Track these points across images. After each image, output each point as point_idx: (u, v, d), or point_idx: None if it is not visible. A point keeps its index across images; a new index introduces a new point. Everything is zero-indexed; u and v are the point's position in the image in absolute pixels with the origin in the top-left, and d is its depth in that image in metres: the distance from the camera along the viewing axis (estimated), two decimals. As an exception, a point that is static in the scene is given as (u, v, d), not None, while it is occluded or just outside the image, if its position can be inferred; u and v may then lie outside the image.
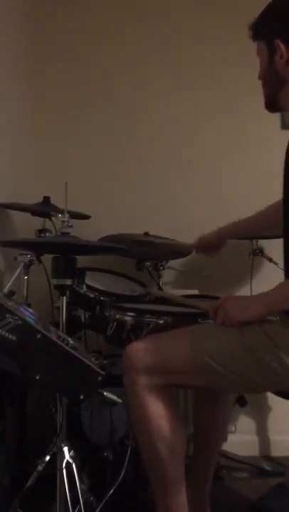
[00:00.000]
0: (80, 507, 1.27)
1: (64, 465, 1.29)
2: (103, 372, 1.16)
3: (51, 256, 1.47)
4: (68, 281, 1.44)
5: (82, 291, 1.74)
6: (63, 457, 1.31)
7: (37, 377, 1.08)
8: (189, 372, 1.25)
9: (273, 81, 1.29)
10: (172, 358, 1.26)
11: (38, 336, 1.08)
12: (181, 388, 1.79)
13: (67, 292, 1.45)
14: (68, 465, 1.30)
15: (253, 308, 1.22)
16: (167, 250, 2.09)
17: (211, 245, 1.72)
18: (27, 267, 1.81)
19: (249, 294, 2.05)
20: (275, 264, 2.02)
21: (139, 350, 1.30)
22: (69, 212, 1.46)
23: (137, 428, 1.31)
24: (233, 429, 2.20)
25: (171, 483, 1.26)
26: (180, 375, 1.27)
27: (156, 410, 1.25)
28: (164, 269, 2.15)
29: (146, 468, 1.31)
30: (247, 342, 1.19)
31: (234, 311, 1.23)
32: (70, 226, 1.46)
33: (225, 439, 1.89)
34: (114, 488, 1.43)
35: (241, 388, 1.41)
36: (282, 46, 1.24)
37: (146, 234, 2.05)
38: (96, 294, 1.78)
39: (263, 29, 1.29)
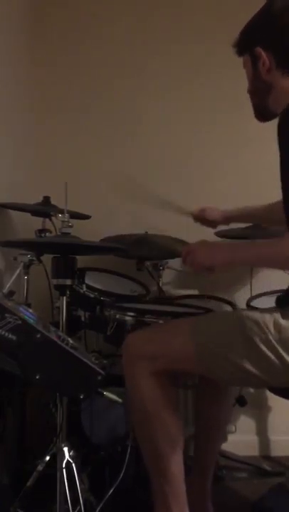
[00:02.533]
0: (80, 507, 1.27)
1: (64, 465, 1.30)
2: (103, 372, 1.16)
3: (51, 256, 1.47)
4: (68, 281, 1.45)
5: (82, 291, 1.74)
6: (63, 457, 1.31)
7: (37, 377, 1.08)
8: (190, 360, 1.26)
9: (260, 89, 1.31)
10: (173, 345, 1.27)
11: (38, 336, 1.08)
12: (182, 389, 1.79)
13: (67, 292, 1.45)
14: (68, 465, 1.30)
15: (219, 256, 1.27)
16: (167, 250, 2.09)
17: (211, 222, 1.79)
18: (27, 267, 1.81)
19: (249, 295, 2.05)
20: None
21: (139, 339, 1.32)
22: (69, 212, 1.46)
23: (135, 417, 1.32)
24: (233, 429, 2.20)
25: (169, 472, 1.27)
26: (180, 362, 1.28)
27: (156, 400, 1.26)
28: (164, 269, 2.15)
29: (144, 460, 1.32)
30: (247, 333, 1.20)
31: (201, 257, 1.28)
32: (70, 226, 1.46)
33: (225, 439, 1.89)
34: (114, 488, 1.43)
35: (241, 381, 1.42)
36: (263, 53, 1.26)
37: (146, 234, 2.05)
38: (96, 294, 1.78)
39: (245, 42, 1.32)
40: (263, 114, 1.34)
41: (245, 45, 1.32)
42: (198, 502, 1.44)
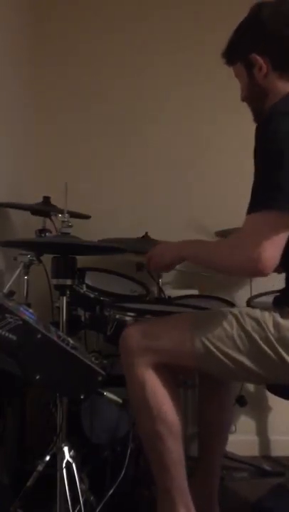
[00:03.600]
0: (80, 507, 1.27)
1: (64, 465, 1.29)
2: (103, 372, 1.16)
3: (51, 256, 1.47)
4: (68, 281, 1.44)
5: (82, 291, 1.74)
6: (63, 457, 1.31)
7: (37, 377, 1.08)
8: (189, 355, 1.26)
9: (257, 95, 1.31)
10: (172, 339, 1.28)
11: (38, 336, 1.08)
12: (181, 388, 1.79)
13: (67, 292, 1.45)
14: (68, 465, 1.30)
15: (168, 254, 1.35)
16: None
17: None
18: (27, 267, 1.81)
19: (249, 295, 2.05)
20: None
21: (136, 331, 1.33)
22: (69, 212, 1.46)
23: (135, 409, 1.32)
24: (233, 429, 2.19)
25: (170, 465, 1.26)
26: (179, 357, 1.28)
27: (154, 390, 1.27)
28: (164, 269, 2.14)
29: (145, 451, 1.32)
30: (248, 330, 1.22)
31: (156, 258, 1.38)
32: (70, 226, 1.46)
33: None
34: (114, 488, 1.43)
35: (240, 377, 1.43)
36: (259, 58, 1.27)
37: (146, 234, 2.05)
38: (96, 294, 1.78)
39: (237, 50, 1.33)
40: (260, 117, 1.33)
41: (237, 53, 1.33)
42: (204, 504, 1.43)
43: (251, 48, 1.28)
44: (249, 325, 1.22)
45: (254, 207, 1.15)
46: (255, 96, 1.33)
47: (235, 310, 1.29)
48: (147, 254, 1.40)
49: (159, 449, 1.27)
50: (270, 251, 1.11)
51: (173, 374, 1.32)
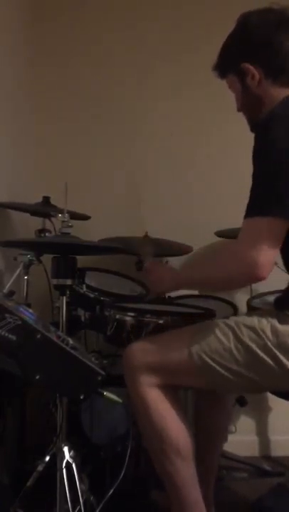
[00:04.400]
0: (80, 507, 1.27)
1: (64, 465, 1.30)
2: (103, 372, 1.16)
3: (51, 256, 1.47)
4: (68, 281, 1.45)
5: (82, 291, 1.74)
6: (63, 457, 1.31)
7: (37, 377, 1.08)
8: (189, 372, 1.26)
9: (252, 104, 1.32)
10: (172, 358, 1.27)
11: (38, 336, 1.08)
12: (182, 389, 1.79)
13: (67, 292, 1.45)
14: (68, 465, 1.30)
15: (166, 284, 1.41)
16: (167, 249, 2.09)
17: None
18: (27, 267, 1.81)
19: (249, 295, 2.05)
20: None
21: (139, 350, 1.32)
22: (69, 212, 1.47)
23: (142, 428, 1.32)
24: (233, 429, 2.20)
25: (180, 484, 1.26)
26: (180, 375, 1.28)
27: (159, 410, 1.26)
28: (164, 269, 2.14)
29: (156, 469, 1.31)
30: (245, 341, 1.21)
31: (154, 283, 1.45)
32: (70, 226, 1.47)
33: (225, 439, 1.89)
34: (114, 488, 1.43)
35: (242, 389, 1.43)
36: (250, 67, 1.27)
37: (146, 234, 2.05)
38: (96, 294, 1.78)
39: (228, 61, 1.33)
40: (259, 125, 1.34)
41: (228, 64, 1.33)
42: None
43: (242, 58, 1.28)
44: (246, 335, 1.21)
45: (251, 212, 1.16)
46: (250, 105, 1.33)
47: (231, 321, 1.28)
48: (147, 274, 1.47)
49: (168, 469, 1.27)
50: (266, 256, 1.13)
51: (177, 391, 1.32)
